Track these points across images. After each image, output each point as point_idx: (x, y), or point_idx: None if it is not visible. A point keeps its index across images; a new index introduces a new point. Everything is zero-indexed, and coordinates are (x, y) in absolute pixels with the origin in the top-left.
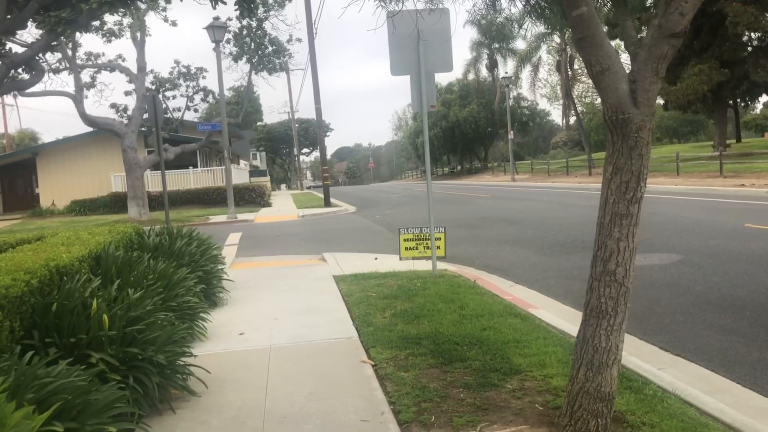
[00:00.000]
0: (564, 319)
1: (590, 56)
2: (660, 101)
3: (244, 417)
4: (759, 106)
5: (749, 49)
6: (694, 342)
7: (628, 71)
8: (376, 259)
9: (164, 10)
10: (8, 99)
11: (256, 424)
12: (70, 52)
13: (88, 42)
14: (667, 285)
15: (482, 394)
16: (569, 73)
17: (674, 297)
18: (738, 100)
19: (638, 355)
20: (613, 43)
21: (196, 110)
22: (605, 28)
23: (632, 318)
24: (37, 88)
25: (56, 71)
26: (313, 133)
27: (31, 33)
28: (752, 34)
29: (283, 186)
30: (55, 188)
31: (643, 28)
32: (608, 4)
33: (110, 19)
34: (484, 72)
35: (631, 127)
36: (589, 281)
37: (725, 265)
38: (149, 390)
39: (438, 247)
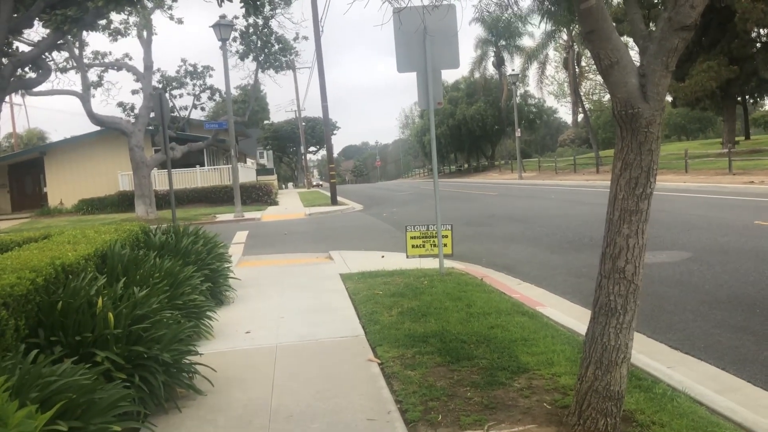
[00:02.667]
0: (572, 317)
1: (599, 50)
2: (668, 98)
3: (251, 415)
4: None
5: (758, 45)
6: (704, 340)
7: (637, 65)
8: (382, 257)
9: (170, 8)
10: (16, 98)
11: (263, 422)
12: (77, 51)
13: (95, 41)
14: (676, 282)
15: (490, 392)
16: (577, 70)
17: (684, 295)
18: (747, 96)
19: (648, 354)
20: (622, 39)
21: (202, 109)
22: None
23: (641, 316)
24: (45, 87)
25: (63, 70)
26: (320, 131)
27: (37, 32)
28: (761, 30)
29: (290, 184)
30: (63, 187)
31: (651, 24)
32: None
33: (116, 17)
34: (490, 69)
35: (641, 122)
36: (598, 279)
37: (735, 262)
38: (155, 389)
39: (445, 245)
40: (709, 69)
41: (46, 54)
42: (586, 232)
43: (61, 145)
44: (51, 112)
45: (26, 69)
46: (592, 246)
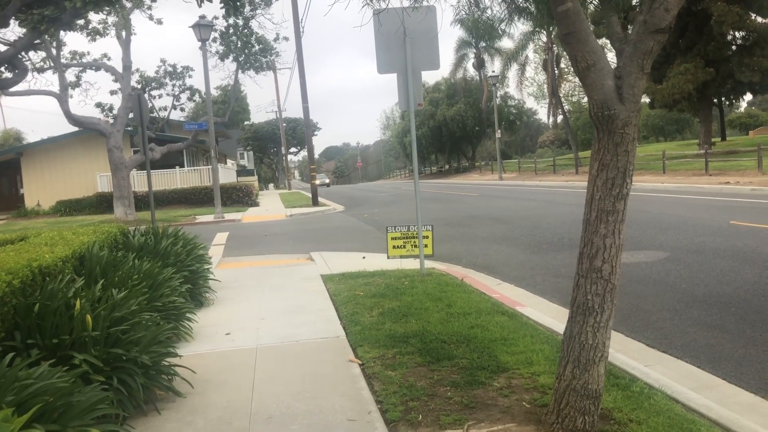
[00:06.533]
0: (551, 316)
1: (576, 52)
2: (646, 99)
3: (230, 417)
4: (743, 105)
5: (734, 48)
6: (680, 339)
7: (613, 67)
8: (363, 258)
9: (149, 8)
10: None
11: (242, 424)
12: (54, 51)
13: (73, 41)
14: (653, 282)
15: (469, 392)
16: (556, 71)
17: (661, 294)
18: (723, 98)
19: (625, 353)
20: (599, 41)
21: (182, 109)
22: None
23: (619, 315)
24: (21, 87)
25: (40, 70)
26: (300, 132)
27: (14, 31)
28: (737, 33)
29: (270, 185)
30: (41, 188)
31: (629, 27)
32: (594, 1)
33: (95, 17)
34: (471, 71)
35: (617, 123)
36: (576, 278)
37: (711, 262)
38: (133, 391)
39: (426, 246)
40: (686, 71)
41: (23, 53)
42: (565, 232)
43: (39, 145)
44: (28, 112)
45: (2, 68)
46: (571, 246)
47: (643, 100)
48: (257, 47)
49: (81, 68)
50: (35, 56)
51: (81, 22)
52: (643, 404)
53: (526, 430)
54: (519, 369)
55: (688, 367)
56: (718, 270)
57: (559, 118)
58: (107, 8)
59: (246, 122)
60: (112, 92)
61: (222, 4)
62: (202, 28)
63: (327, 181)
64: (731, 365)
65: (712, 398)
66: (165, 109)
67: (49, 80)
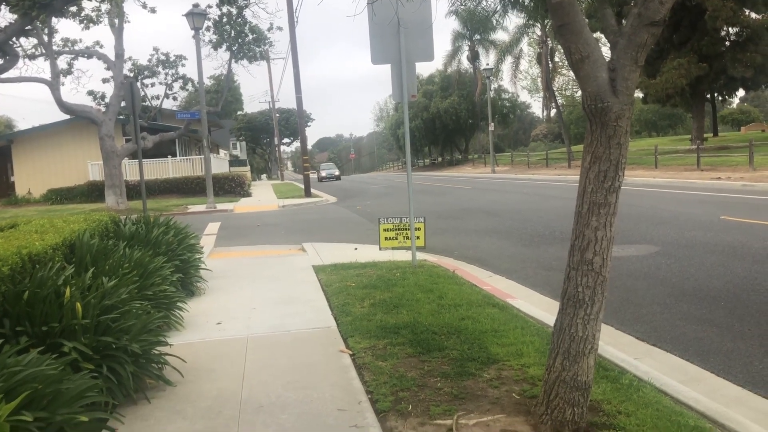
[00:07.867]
0: (542, 309)
1: (570, 44)
2: (639, 94)
3: (220, 406)
4: (736, 101)
5: (727, 43)
6: (670, 332)
7: (607, 60)
8: (356, 249)
9: None
10: None
11: (232, 413)
12: (45, 38)
13: (65, 28)
14: (644, 276)
15: (460, 383)
16: (550, 65)
17: (651, 288)
18: (715, 94)
19: (615, 345)
20: (593, 35)
21: (175, 98)
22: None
23: (609, 308)
24: (12, 74)
25: (32, 57)
26: (294, 123)
27: (4, 17)
28: (730, 28)
29: (263, 176)
30: (32, 176)
31: (623, 20)
32: None
33: (88, 4)
34: (465, 63)
35: (610, 116)
36: (567, 270)
37: (701, 256)
38: (123, 379)
39: (418, 238)
40: (679, 66)
41: (14, 40)
42: (556, 225)
43: (30, 133)
44: (19, 99)
45: None
46: (563, 239)
47: (636, 94)
48: (251, 36)
49: (73, 56)
50: (26, 43)
51: (73, 9)
52: (632, 396)
53: (515, 421)
54: (509, 360)
55: (677, 360)
56: (708, 264)
57: (553, 111)
58: None
59: (239, 112)
60: (104, 80)
61: None
62: (195, 16)
63: (336, 173)
64: (719, 359)
65: (700, 391)
66: (157, 98)
67: (41, 67)
